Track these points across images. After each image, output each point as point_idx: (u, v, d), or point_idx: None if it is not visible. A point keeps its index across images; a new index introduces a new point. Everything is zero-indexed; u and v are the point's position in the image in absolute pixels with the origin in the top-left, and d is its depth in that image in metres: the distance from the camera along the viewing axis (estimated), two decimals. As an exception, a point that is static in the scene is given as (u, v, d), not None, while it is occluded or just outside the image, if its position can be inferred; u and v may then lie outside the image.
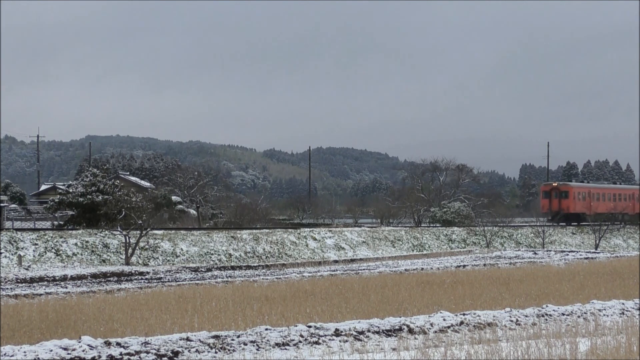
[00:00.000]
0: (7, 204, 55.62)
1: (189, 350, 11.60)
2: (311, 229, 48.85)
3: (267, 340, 12.33)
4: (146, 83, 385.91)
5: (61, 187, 73.11)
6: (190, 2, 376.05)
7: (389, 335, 13.27)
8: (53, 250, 35.42)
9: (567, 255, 40.52)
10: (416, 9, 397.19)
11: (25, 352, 11.03)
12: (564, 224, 65.99)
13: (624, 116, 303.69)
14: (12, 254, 33.86)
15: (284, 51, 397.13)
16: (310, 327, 13.29)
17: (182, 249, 39.46)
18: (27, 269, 32.14)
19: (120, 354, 11.17)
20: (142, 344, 11.74)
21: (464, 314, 15.10)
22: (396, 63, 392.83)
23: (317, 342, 12.53)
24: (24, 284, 28.13)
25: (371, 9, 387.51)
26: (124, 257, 36.42)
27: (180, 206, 62.94)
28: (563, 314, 15.87)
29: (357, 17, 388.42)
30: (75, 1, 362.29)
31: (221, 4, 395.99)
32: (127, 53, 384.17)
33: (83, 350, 11.21)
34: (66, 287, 25.99)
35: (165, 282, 28.21)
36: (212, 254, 40.13)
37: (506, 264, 34.39)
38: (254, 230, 46.23)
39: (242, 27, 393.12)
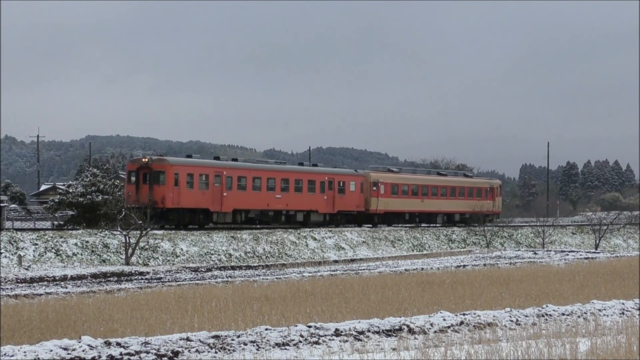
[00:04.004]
0: (7, 204, 55.66)
1: (189, 350, 11.60)
2: (311, 229, 48.85)
3: (267, 340, 12.33)
4: (153, 84, 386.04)
5: (61, 187, 73.16)
6: (191, 3, 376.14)
7: (389, 335, 13.27)
8: (53, 250, 35.42)
9: (567, 255, 40.51)
10: (422, 9, 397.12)
11: (25, 352, 11.03)
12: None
13: (624, 116, 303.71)
14: (12, 254, 33.85)
15: (287, 52, 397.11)
16: (310, 327, 13.29)
17: (182, 249, 39.45)
18: (27, 269, 32.14)
19: (120, 354, 11.17)
20: (142, 344, 11.74)
21: (464, 314, 15.10)
22: (401, 64, 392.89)
23: (317, 342, 12.53)
24: (24, 284, 28.12)
25: (376, 10, 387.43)
26: (124, 257, 36.41)
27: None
28: (563, 314, 15.87)
29: (365, 18, 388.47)
30: (81, 2, 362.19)
31: (221, 4, 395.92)
32: (136, 55, 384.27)
33: (83, 350, 11.21)
34: (66, 287, 25.98)
35: (165, 282, 28.20)
36: (212, 254, 40.13)
37: (506, 264, 34.39)
38: (254, 230, 46.22)
39: (243, 28, 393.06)
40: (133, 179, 43.64)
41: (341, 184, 52.59)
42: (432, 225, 59.83)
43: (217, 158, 49.35)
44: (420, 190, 58.62)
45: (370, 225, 54.70)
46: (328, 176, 52.30)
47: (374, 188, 54.81)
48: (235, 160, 49.70)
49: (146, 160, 43.88)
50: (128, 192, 43.58)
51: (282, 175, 49.28)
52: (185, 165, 44.06)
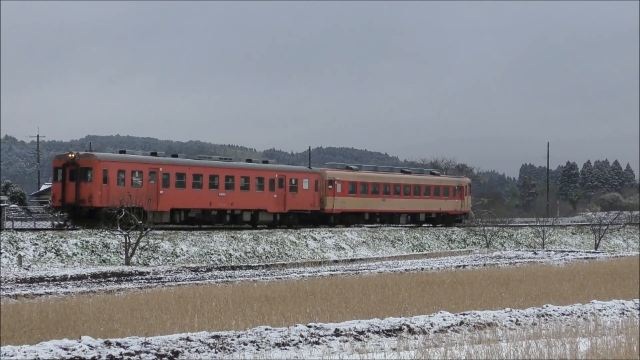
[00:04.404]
0: (7, 204, 55.61)
1: (189, 350, 11.60)
2: (311, 229, 48.85)
3: (267, 340, 12.33)
4: (153, 84, 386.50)
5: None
6: (191, 4, 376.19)
7: (389, 335, 13.27)
8: (53, 250, 35.42)
9: (567, 255, 40.51)
10: (422, 10, 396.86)
11: (25, 352, 11.03)
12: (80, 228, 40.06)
13: (624, 116, 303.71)
14: (12, 254, 33.85)
15: (288, 53, 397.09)
16: (310, 327, 13.29)
17: (182, 249, 39.46)
18: (27, 269, 32.13)
19: (120, 354, 11.17)
20: (142, 344, 11.74)
21: (464, 314, 15.10)
22: (402, 64, 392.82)
23: (317, 342, 12.53)
24: (24, 284, 28.12)
25: (377, 10, 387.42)
26: (124, 257, 36.41)
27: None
28: (563, 314, 15.87)
29: (366, 19, 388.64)
30: (82, 2, 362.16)
31: (222, 4, 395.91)
32: (136, 55, 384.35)
33: (83, 350, 11.21)
34: (66, 287, 25.98)
35: (165, 282, 28.20)
36: (212, 254, 40.14)
37: (506, 264, 34.38)
38: (254, 230, 46.23)
39: (244, 29, 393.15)
40: (59, 176, 41.18)
41: (293, 182, 49.71)
42: (432, 225, 59.73)
43: (154, 154, 45.93)
44: (382, 189, 55.84)
45: (327, 226, 51.62)
46: (278, 173, 49.52)
47: (330, 186, 52.15)
48: (175, 156, 46.80)
49: (72, 155, 41.12)
50: (54, 191, 41.82)
51: (226, 172, 46.35)
52: (116, 161, 41.55)
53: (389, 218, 56.99)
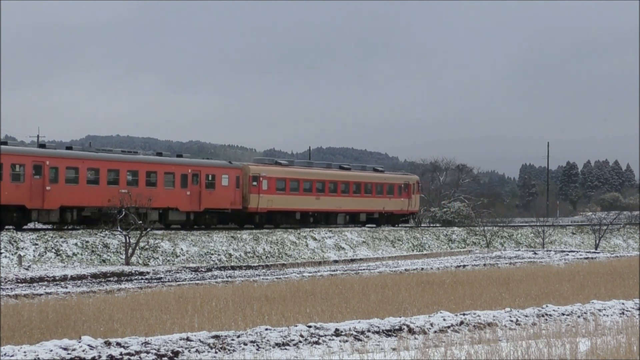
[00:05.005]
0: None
1: (189, 350, 11.60)
2: (311, 229, 48.85)
3: (267, 340, 12.34)
4: (153, 84, 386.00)
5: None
6: (191, 4, 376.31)
7: (389, 335, 13.27)
8: (53, 250, 35.43)
9: (567, 255, 40.52)
10: (422, 10, 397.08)
11: (25, 352, 11.03)
12: None
13: (624, 116, 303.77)
14: (12, 254, 33.86)
15: (288, 53, 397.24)
16: (310, 327, 13.29)
17: (182, 249, 39.47)
18: (27, 269, 32.14)
19: (120, 354, 11.17)
20: (142, 344, 11.74)
21: (464, 314, 15.10)
22: (402, 64, 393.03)
23: (317, 342, 12.53)
24: (24, 284, 28.12)
25: (377, 10, 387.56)
26: (124, 257, 36.43)
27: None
28: (563, 314, 15.88)
29: (366, 19, 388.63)
30: (82, 2, 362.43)
31: (222, 4, 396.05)
32: (136, 55, 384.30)
33: (83, 350, 11.21)
34: (66, 287, 25.98)
35: (165, 282, 28.21)
36: (212, 254, 40.15)
37: (506, 264, 34.39)
38: (254, 230, 46.24)
39: (244, 29, 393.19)
40: None
41: (210, 178, 45.92)
42: (432, 225, 59.73)
43: (42, 146, 42.14)
44: (315, 186, 51.98)
45: (253, 227, 48.81)
46: (192, 168, 45.31)
47: (254, 183, 48.04)
48: (70, 148, 42.68)
49: None
50: None
51: (128, 167, 42.34)
52: None
53: (325, 218, 53.43)
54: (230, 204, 46.89)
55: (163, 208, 43.60)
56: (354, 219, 55.17)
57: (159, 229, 42.42)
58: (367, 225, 55.24)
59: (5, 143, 40.10)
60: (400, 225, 58.10)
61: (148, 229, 37.34)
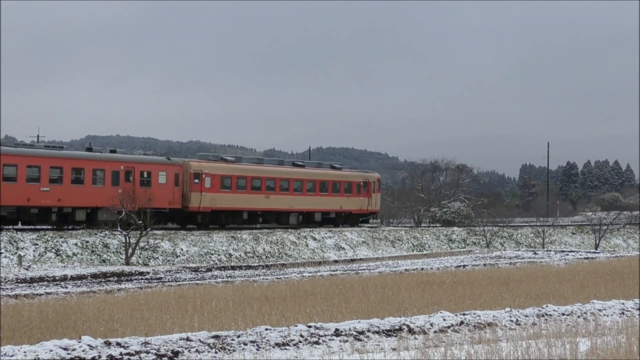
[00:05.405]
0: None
1: (189, 350, 11.60)
2: (311, 229, 48.84)
3: (267, 340, 12.33)
4: (153, 84, 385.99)
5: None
6: (191, 4, 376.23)
7: (389, 335, 13.27)
8: (53, 250, 35.43)
9: (567, 255, 40.52)
10: (423, 10, 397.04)
11: (25, 352, 11.03)
12: None
13: (624, 116, 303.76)
14: (12, 254, 33.87)
15: (288, 53, 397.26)
16: (310, 327, 13.29)
17: (182, 249, 39.48)
18: (27, 269, 32.14)
19: (120, 354, 11.17)
20: (142, 344, 11.74)
21: (464, 314, 15.10)
22: (402, 64, 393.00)
23: (317, 342, 12.53)
24: (24, 284, 28.13)
25: (377, 10, 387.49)
26: (124, 257, 36.44)
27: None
28: (563, 314, 15.88)
29: (366, 19, 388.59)
30: (82, 2, 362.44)
31: (222, 4, 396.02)
32: (136, 55, 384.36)
33: (83, 350, 11.21)
34: (66, 287, 25.99)
35: (165, 282, 28.22)
36: (212, 254, 40.16)
37: (506, 264, 34.39)
38: (254, 230, 46.23)
39: (244, 29, 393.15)
40: None
41: (145, 175, 42.90)
42: (432, 225, 59.67)
43: None
44: (265, 185, 48.84)
45: (195, 227, 45.94)
46: (125, 164, 42.21)
47: (196, 181, 44.98)
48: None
49: None
50: None
51: (51, 162, 39.20)
52: None
53: (276, 218, 50.46)
54: (169, 203, 43.86)
55: (91, 207, 40.64)
56: (308, 218, 52.17)
57: (158, 228, 42.43)
58: (324, 226, 52.16)
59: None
60: (360, 225, 55.38)
61: (148, 229, 37.37)
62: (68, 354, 11.08)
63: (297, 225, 50.58)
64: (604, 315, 16.02)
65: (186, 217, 45.71)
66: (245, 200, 47.80)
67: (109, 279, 30.88)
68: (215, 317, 16.33)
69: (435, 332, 13.66)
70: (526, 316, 15.42)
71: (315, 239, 46.54)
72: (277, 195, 49.60)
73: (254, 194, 48.30)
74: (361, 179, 55.81)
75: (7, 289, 25.47)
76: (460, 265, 33.22)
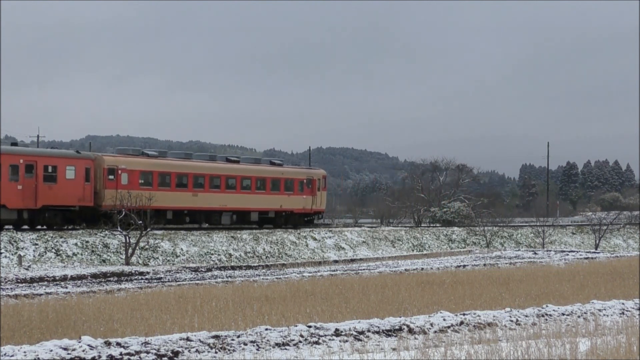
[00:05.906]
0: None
1: (189, 350, 11.60)
2: (311, 229, 48.82)
3: (267, 340, 12.33)
4: (153, 84, 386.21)
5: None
6: (192, 4, 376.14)
7: (389, 335, 13.27)
8: (53, 250, 35.43)
9: (567, 255, 40.52)
10: (423, 10, 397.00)
11: (25, 352, 11.03)
12: None
13: (624, 116, 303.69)
14: (12, 254, 33.86)
15: (288, 53, 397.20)
16: (310, 327, 13.29)
17: (182, 249, 39.48)
18: (27, 269, 32.14)
19: (120, 354, 11.17)
20: (142, 344, 11.74)
21: (464, 314, 15.10)
22: (402, 64, 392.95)
23: (317, 342, 12.53)
24: (24, 284, 28.13)
25: (377, 10, 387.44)
26: (124, 257, 36.43)
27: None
28: (563, 314, 15.87)
29: (366, 19, 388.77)
30: (82, 2, 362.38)
31: (223, 4, 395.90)
32: (137, 55, 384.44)
33: (83, 350, 11.21)
34: (66, 287, 25.99)
35: (165, 282, 28.21)
36: (212, 254, 40.16)
37: (506, 264, 34.39)
38: (254, 230, 46.22)
39: (245, 29, 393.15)
40: None
41: (50, 170, 38.91)
42: (432, 225, 59.64)
43: None
44: (192, 181, 45.14)
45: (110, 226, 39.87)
46: (25, 158, 38.22)
47: (111, 177, 41.33)
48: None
49: None
50: None
51: None
52: None
53: (206, 217, 46.78)
54: (78, 201, 40.02)
55: None
56: (243, 218, 48.47)
57: (160, 228, 42.40)
58: (264, 226, 49.28)
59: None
60: (304, 226, 51.70)
61: (148, 229, 37.37)
62: (68, 354, 11.08)
63: (229, 225, 47.42)
64: (604, 315, 16.02)
65: (99, 216, 40.57)
66: (169, 198, 43.88)
67: (109, 279, 30.87)
68: (215, 317, 16.33)
69: (435, 332, 13.66)
70: (526, 316, 15.42)
71: (315, 239, 46.54)
72: (207, 193, 45.97)
73: (180, 192, 44.63)
74: (304, 176, 52.12)
75: (7, 289, 25.47)
76: (460, 265, 33.21)
